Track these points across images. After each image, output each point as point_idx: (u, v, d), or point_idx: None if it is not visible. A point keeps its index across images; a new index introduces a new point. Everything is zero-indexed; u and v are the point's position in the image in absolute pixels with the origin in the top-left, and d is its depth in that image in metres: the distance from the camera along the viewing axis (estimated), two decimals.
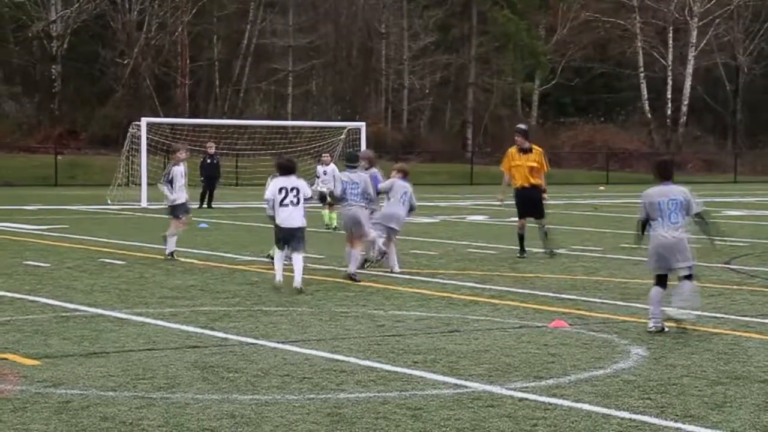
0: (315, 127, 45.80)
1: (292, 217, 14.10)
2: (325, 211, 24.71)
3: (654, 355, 9.61)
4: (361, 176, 15.67)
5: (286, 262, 14.41)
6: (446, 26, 69.96)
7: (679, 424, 7.23)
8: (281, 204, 14.07)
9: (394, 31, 69.01)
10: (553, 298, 13.23)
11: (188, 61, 64.24)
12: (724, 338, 10.50)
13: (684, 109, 71.56)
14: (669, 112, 71.92)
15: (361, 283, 14.62)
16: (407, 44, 68.23)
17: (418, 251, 19.26)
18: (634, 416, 7.41)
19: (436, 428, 7.13)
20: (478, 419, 7.33)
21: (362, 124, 39.66)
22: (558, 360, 9.36)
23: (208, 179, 33.53)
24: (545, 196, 18.68)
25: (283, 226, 14.15)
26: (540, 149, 18.86)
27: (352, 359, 9.33)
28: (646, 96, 72.29)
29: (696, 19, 70.50)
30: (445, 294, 13.56)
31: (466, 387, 8.31)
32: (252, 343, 10.10)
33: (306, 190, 14.30)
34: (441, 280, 15.02)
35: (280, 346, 9.98)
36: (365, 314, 11.92)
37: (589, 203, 35.10)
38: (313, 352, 9.67)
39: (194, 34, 64.29)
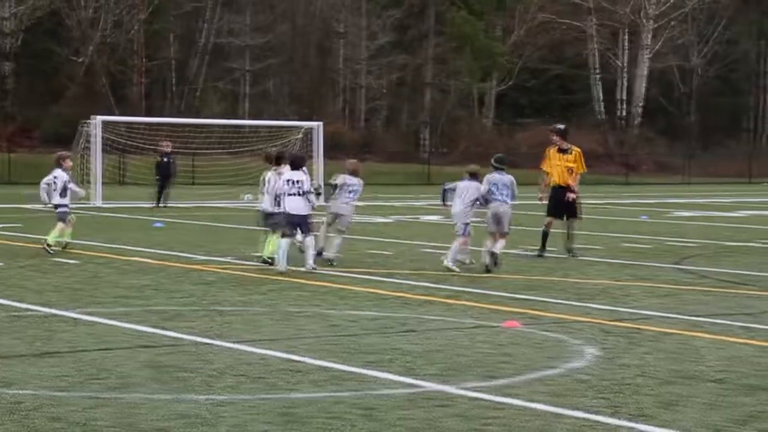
0: (271, 127, 45.66)
1: (299, 206, 15.87)
2: None
3: (607, 354, 9.69)
4: (508, 177, 16.89)
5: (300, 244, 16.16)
6: (404, 26, 70.05)
7: (631, 424, 7.28)
8: (289, 194, 15.91)
9: (352, 31, 68.99)
10: (508, 298, 13.29)
11: (144, 60, 63.88)
12: (676, 338, 10.60)
13: (637, 110, 72.13)
14: (623, 113, 72.47)
15: (316, 283, 14.61)
16: (365, 44, 68.23)
17: (374, 251, 19.27)
18: (586, 415, 7.46)
19: (389, 428, 7.14)
20: (431, 419, 7.35)
21: (319, 124, 39.62)
22: (511, 360, 9.40)
23: (164, 178, 33.37)
24: (570, 195, 18.54)
25: (291, 213, 15.90)
26: (578, 149, 18.85)
27: (306, 359, 9.32)
28: (600, 97, 72.79)
29: (650, 22, 71.10)
30: (399, 294, 13.58)
31: (420, 387, 8.33)
32: (206, 343, 10.06)
33: (307, 183, 16.04)
34: (396, 280, 15.04)
35: (235, 345, 9.95)
36: (319, 314, 11.92)
37: (545, 204, 35.24)
38: (268, 351, 9.65)
39: (150, 32, 63.93)
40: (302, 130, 40.74)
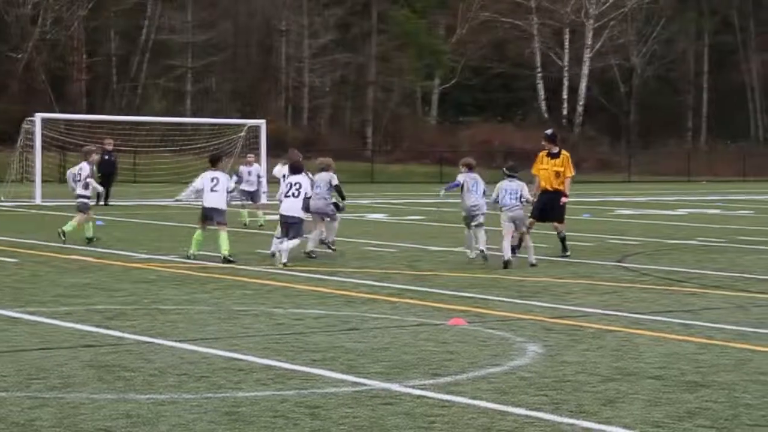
0: (214, 125, 45.45)
1: (293, 207, 16.68)
2: (244, 211, 24.69)
3: (549, 352, 9.76)
4: (519, 184, 17.36)
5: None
6: (346, 25, 70.03)
7: (572, 420, 7.35)
8: (285, 195, 16.77)
9: (294, 29, 68.82)
10: (451, 296, 13.35)
11: (84, 57, 63.23)
12: (617, 335, 10.71)
13: (579, 109, 72.75)
14: (565, 112, 73.05)
15: (260, 281, 14.57)
16: (307, 42, 68.11)
17: (317, 249, 19.24)
18: (529, 412, 7.52)
19: (334, 426, 7.14)
20: (376, 417, 7.37)
21: (262, 122, 39.49)
22: (456, 357, 9.44)
23: (105, 176, 33.09)
24: (563, 200, 18.71)
25: (284, 214, 16.74)
26: (566, 154, 18.91)
27: (251, 357, 9.29)
28: (542, 96, 73.31)
29: (591, 21, 71.71)
30: (343, 292, 13.59)
31: (365, 385, 8.34)
32: (148, 342, 10.00)
33: (307, 187, 16.96)
34: (340, 278, 15.04)
35: (178, 344, 9.90)
36: (264, 312, 11.89)
37: (487, 202, 35.44)
38: (211, 350, 9.61)
39: (91, 29, 63.30)
40: (245, 128, 40.59)
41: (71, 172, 20.22)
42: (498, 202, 17.34)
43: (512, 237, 17.21)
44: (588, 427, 7.21)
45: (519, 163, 18.91)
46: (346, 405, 7.68)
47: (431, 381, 8.49)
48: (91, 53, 63.98)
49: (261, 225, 24.31)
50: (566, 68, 72.63)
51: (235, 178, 25.19)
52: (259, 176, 25.48)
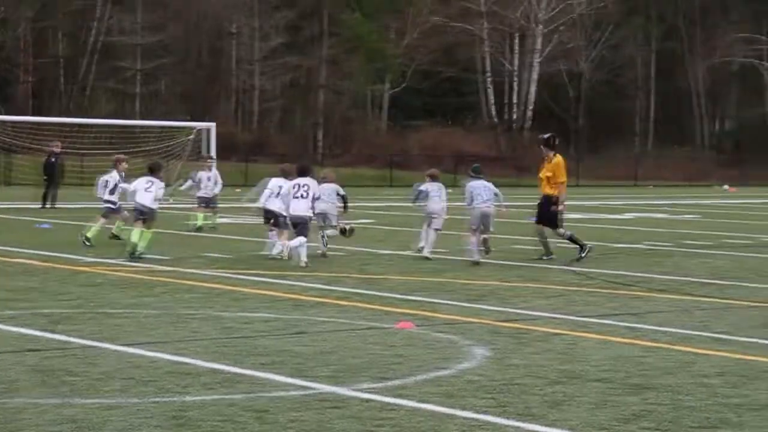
0: (163, 127, 45.19)
1: (301, 208, 17.37)
2: (199, 213, 24.60)
3: (496, 355, 9.81)
4: (487, 183, 18.53)
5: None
6: (297, 28, 69.92)
7: (519, 423, 7.39)
8: (294, 196, 17.44)
9: (245, 32, 68.62)
10: (400, 300, 13.37)
11: (31, 58, 62.60)
12: (564, 338, 10.78)
13: (528, 114, 73.16)
14: (514, 116, 73.43)
15: (208, 285, 14.51)
16: (257, 45, 67.94)
17: (265, 252, 19.20)
18: (476, 415, 7.55)
19: (281, 430, 7.13)
20: (324, 420, 7.37)
21: (212, 125, 39.36)
22: (404, 361, 9.46)
23: (49, 178, 32.83)
24: (554, 207, 18.70)
25: (294, 214, 17.42)
26: (558, 158, 18.73)
27: (198, 361, 9.25)
28: (492, 101, 73.64)
29: (540, 26, 72.17)
30: (292, 295, 13.57)
31: (313, 388, 8.34)
32: (94, 346, 9.92)
33: (315, 188, 17.64)
34: (289, 282, 15.01)
35: (124, 348, 9.83)
36: (212, 316, 11.84)
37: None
38: (158, 354, 9.55)
39: (38, 30, 62.68)
40: (194, 130, 40.41)
41: (102, 178, 21.64)
42: (472, 201, 18.33)
43: (479, 237, 18.12)
44: (534, 429, 7.26)
45: (483, 165, 19.53)
46: (293, 409, 7.67)
47: (379, 384, 8.51)
48: (38, 54, 63.35)
49: (213, 227, 24.27)
50: (515, 73, 73.03)
51: (188, 183, 25.29)
52: (217, 181, 25.52)
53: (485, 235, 18.50)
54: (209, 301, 13.04)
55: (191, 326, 11.16)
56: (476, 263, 17.61)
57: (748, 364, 9.51)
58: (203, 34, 67.76)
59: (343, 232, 19.22)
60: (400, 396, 8.09)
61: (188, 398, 7.94)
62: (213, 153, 37.21)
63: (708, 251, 21.03)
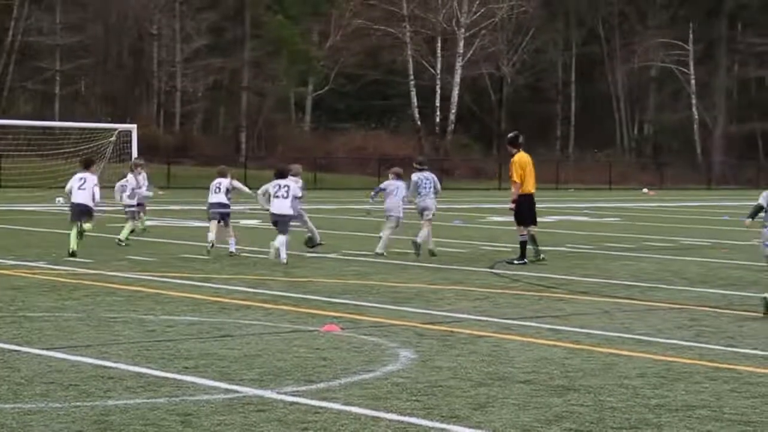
0: (84, 129, 44.61)
1: (283, 207, 18.62)
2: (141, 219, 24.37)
3: (422, 357, 9.85)
4: (431, 174, 20.59)
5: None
6: (219, 29, 69.49)
7: (444, 425, 7.43)
8: (275, 196, 18.71)
9: (166, 33, 68.04)
10: (326, 302, 13.36)
11: None
12: (488, 340, 10.86)
13: (452, 117, 73.55)
14: (438, 120, 73.78)
15: (131, 288, 14.37)
16: (179, 46, 67.40)
17: (189, 255, 19.07)
18: (401, 418, 7.58)
19: None
20: (249, 424, 7.34)
21: (133, 126, 38.90)
22: (329, 363, 9.46)
23: None
24: (509, 206, 19.47)
25: (275, 212, 18.65)
26: (515, 157, 19.17)
27: (121, 365, 9.15)
28: (416, 104, 73.91)
29: (463, 30, 72.59)
30: (217, 298, 13.49)
31: (238, 392, 8.30)
32: (14, 350, 9.76)
33: (296, 189, 18.99)
34: (213, 285, 14.92)
35: (45, 352, 9.69)
36: (135, 319, 11.72)
37: (361, 208, 35.60)
38: (80, 358, 9.44)
39: None
40: (115, 132, 39.97)
41: (120, 184, 23.06)
42: (419, 193, 20.26)
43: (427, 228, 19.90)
44: (458, 431, 7.30)
45: (426, 158, 20.57)
46: (218, 412, 7.63)
47: (304, 387, 8.49)
48: None
49: (145, 230, 24.03)
50: (438, 76, 73.38)
51: (127, 189, 25.02)
52: (146, 183, 25.25)
53: (430, 245, 19.99)
54: (132, 304, 12.91)
55: (114, 329, 11.04)
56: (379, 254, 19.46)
57: (668, 366, 9.67)
58: (124, 35, 67.05)
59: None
60: (325, 399, 8.09)
61: (111, 402, 7.85)
62: (134, 155, 36.85)
63: (629, 254, 21.33)
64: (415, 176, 20.38)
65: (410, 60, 72.99)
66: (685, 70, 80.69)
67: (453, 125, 73.62)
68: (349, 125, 72.64)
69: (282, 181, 19.03)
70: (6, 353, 9.63)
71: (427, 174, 20.47)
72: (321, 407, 7.83)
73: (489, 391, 8.50)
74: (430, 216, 20.20)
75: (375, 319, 12.15)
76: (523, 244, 19.06)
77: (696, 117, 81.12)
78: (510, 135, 20.00)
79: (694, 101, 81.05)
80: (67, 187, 19.44)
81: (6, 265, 16.94)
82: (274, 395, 8.19)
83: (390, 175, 20.94)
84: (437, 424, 7.43)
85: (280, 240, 18.23)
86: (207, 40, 67.40)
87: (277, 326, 11.48)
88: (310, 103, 73.17)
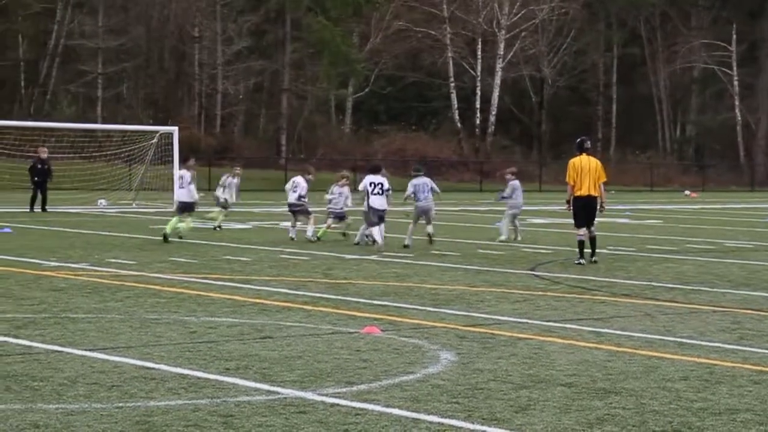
0: (126, 131, 44.94)
1: (381, 202, 21.21)
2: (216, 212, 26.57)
3: (462, 360, 9.83)
4: (427, 179, 22.39)
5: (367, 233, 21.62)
6: (260, 32, 69.81)
7: (484, 427, 7.41)
8: (373, 193, 21.12)
9: (208, 36, 68.41)
10: (366, 304, 13.37)
11: None
12: (529, 343, 10.82)
13: (492, 119, 73.43)
14: (478, 121, 73.67)
15: (173, 290, 14.45)
16: (221, 49, 67.75)
17: (231, 257, 19.16)
18: (442, 420, 7.57)
19: None
20: (290, 425, 7.35)
21: (174, 129, 39.17)
22: (370, 365, 9.46)
23: (40, 183, 33.46)
24: (565, 207, 20.55)
25: (376, 207, 21.06)
26: (570, 162, 20.24)
27: (163, 366, 9.21)
28: (456, 105, 73.86)
29: (503, 32, 72.46)
30: (258, 300, 13.54)
31: (278, 393, 8.32)
32: (58, 351, 9.85)
33: (386, 184, 21.38)
34: (254, 287, 14.98)
35: (88, 353, 9.77)
36: (177, 321, 11.79)
37: (401, 210, 35.62)
38: (123, 359, 9.50)
39: None
40: (157, 134, 40.23)
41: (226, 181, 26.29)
42: (417, 198, 22.05)
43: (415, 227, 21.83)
44: None
45: (424, 163, 21.64)
46: (259, 414, 7.66)
47: (345, 389, 8.50)
48: None
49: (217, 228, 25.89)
50: (479, 78, 73.27)
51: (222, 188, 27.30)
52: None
53: (429, 230, 22.00)
54: (174, 305, 12.98)
55: (156, 331, 11.11)
56: (406, 246, 21.32)
57: (711, 369, 9.59)
58: (166, 38, 67.48)
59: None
60: (366, 401, 8.09)
61: (153, 403, 7.90)
62: (176, 157, 37.11)
63: (671, 256, 21.18)
64: (413, 182, 22.16)
65: (450, 62, 72.95)
66: (728, 71, 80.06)
67: (493, 127, 73.49)
68: (389, 127, 72.65)
69: (376, 178, 21.28)
70: (49, 354, 9.72)
71: (425, 179, 22.19)
72: (361, 409, 7.84)
73: (530, 393, 8.47)
74: (432, 215, 22.24)
75: (415, 321, 12.14)
76: (578, 244, 19.49)
77: (739, 119, 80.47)
78: (578, 140, 20.65)
79: (737, 102, 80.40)
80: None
81: (49, 267, 17.09)
82: (314, 397, 8.20)
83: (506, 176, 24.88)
84: (478, 427, 7.41)
85: (383, 229, 21.04)
86: (248, 42, 67.70)
87: (317, 328, 11.51)
88: (351, 105, 73.26)
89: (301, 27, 70.08)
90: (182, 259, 18.64)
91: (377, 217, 21.12)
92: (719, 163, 79.38)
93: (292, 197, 23.43)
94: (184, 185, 23.22)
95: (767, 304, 14.04)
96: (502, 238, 23.76)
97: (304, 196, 23.42)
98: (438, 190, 22.64)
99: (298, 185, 23.50)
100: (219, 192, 27.13)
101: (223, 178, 27.79)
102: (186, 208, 23.14)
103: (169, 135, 38.83)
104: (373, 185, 21.29)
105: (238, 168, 28.80)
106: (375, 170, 21.67)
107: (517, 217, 24.37)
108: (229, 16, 68.34)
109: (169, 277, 15.99)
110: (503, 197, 24.65)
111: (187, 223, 23.06)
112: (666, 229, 30.02)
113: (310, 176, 23.94)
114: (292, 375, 8.99)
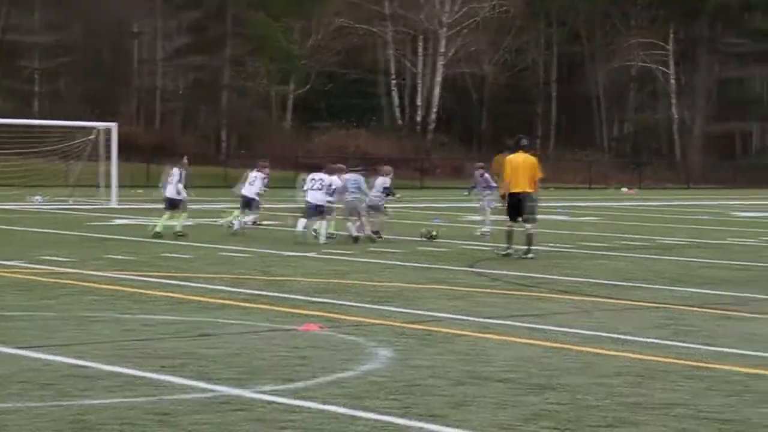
0: (64, 127, 44.44)
1: (316, 197, 22.04)
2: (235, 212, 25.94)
3: (400, 356, 9.86)
4: (357, 176, 22.94)
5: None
6: (201, 28, 69.37)
7: (422, 424, 7.44)
8: (312, 189, 22.15)
9: (147, 31, 67.86)
10: (305, 301, 13.35)
11: None
12: (467, 339, 10.87)
13: (433, 116, 73.64)
14: (419, 119, 73.83)
15: (110, 287, 14.33)
16: (160, 44, 67.24)
17: (170, 254, 19.04)
18: (379, 417, 7.58)
19: None
20: (227, 423, 7.33)
21: (113, 125, 38.81)
22: (308, 363, 9.45)
23: None
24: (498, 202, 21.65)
25: (310, 201, 22.09)
26: (505, 159, 20.82)
27: (99, 364, 9.13)
28: (397, 103, 73.98)
29: (445, 29, 72.69)
30: (196, 298, 13.47)
31: (216, 391, 8.28)
32: None
33: (331, 181, 22.39)
34: (193, 284, 14.89)
35: (22, 352, 9.65)
36: (113, 318, 11.69)
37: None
38: (57, 357, 9.40)
39: None
40: (95, 131, 39.85)
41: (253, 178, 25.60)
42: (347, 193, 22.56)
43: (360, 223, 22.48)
44: (437, 430, 7.31)
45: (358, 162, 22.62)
46: (196, 411, 7.62)
47: (283, 386, 8.49)
48: None
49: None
50: (420, 75, 73.43)
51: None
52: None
53: (370, 228, 22.63)
54: (111, 303, 12.87)
55: (92, 329, 11.00)
56: (355, 239, 22.06)
57: (646, 364, 9.70)
58: (105, 34, 66.84)
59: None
60: (304, 398, 8.08)
61: (88, 402, 7.83)
62: (114, 154, 36.76)
63: (608, 253, 21.39)
64: (344, 177, 22.83)
65: (392, 59, 73.06)
66: (665, 70, 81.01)
67: (434, 124, 73.70)
68: (330, 124, 72.59)
69: (317, 175, 22.43)
70: None
71: (355, 176, 22.97)
72: (299, 406, 7.83)
73: (467, 389, 8.51)
74: (361, 212, 22.62)
75: (354, 318, 12.15)
76: (506, 234, 20.28)
77: (675, 117, 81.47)
78: (516, 138, 21.33)
79: (673, 101, 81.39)
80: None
81: None
82: (252, 394, 8.18)
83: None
84: (415, 423, 7.43)
85: (326, 223, 22.00)
86: (188, 39, 67.27)
87: (255, 325, 11.47)
88: (292, 101, 73.08)
89: (242, 23, 69.77)
90: (120, 257, 18.48)
91: (315, 211, 21.99)
92: (656, 160, 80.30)
93: (248, 191, 24.45)
94: (172, 182, 23.48)
95: (700, 300, 14.24)
96: (485, 230, 24.55)
97: (261, 192, 24.40)
98: (366, 192, 22.85)
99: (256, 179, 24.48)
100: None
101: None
102: (173, 205, 23.40)
103: (108, 131, 38.46)
104: (313, 181, 22.28)
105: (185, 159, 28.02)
106: (318, 168, 22.93)
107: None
108: (169, 12, 67.85)
109: (106, 274, 15.85)
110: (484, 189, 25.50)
111: (179, 221, 23.32)
112: (603, 226, 30.31)
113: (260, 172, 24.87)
114: (230, 372, 8.95)
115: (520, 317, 12.46)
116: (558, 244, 23.21)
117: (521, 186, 20.11)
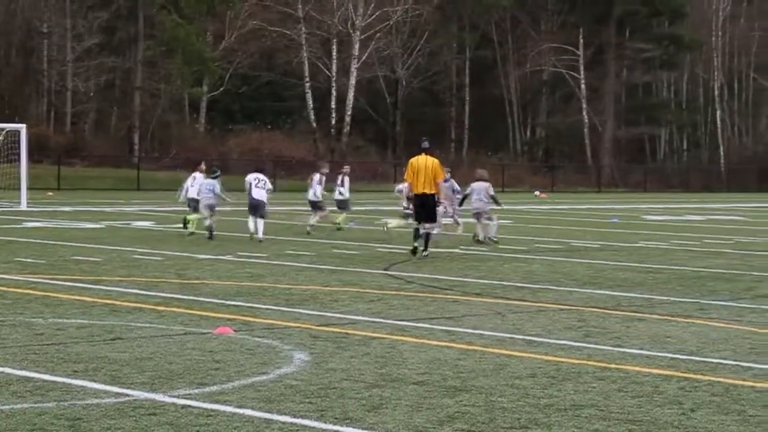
0: None
1: (261, 194, 23.66)
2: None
3: (315, 359, 9.85)
4: (260, 176, 24.28)
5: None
6: (111, 28, 68.52)
7: (337, 427, 7.44)
8: (256, 186, 23.77)
9: (57, 31, 66.83)
10: (219, 305, 13.27)
11: None
12: (382, 342, 10.90)
13: (347, 119, 73.66)
14: (333, 121, 73.80)
15: (19, 290, 14.08)
16: (70, 45, 66.27)
17: (80, 257, 18.78)
18: (295, 420, 7.57)
19: None
20: (140, 428, 7.25)
21: (22, 126, 38.16)
22: (222, 366, 9.40)
23: None
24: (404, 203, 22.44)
25: (253, 197, 23.64)
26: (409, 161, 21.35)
27: (7, 369, 8.97)
28: (311, 105, 73.83)
29: (358, 33, 72.76)
30: (108, 301, 13.30)
31: (128, 395, 8.20)
32: None
33: (268, 183, 24.32)
34: (104, 287, 14.71)
35: None
36: (23, 322, 11.49)
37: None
38: None
39: None
40: (3, 132, 39.14)
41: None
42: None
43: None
44: None
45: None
46: (108, 416, 7.53)
47: (197, 390, 8.43)
48: None
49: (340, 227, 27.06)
50: (334, 78, 73.42)
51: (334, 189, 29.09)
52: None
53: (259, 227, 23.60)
54: (20, 307, 12.65)
55: (1, 333, 10.80)
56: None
57: (558, 366, 9.82)
58: (12, 33, 65.66)
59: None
60: (218, 402, 8.04)
61: None
62: (24, 155, 36.11)
63: (521, 255, 21.61)
64: (249, 176, 24.06)
65: (306, 62, 72.91)
66: (576, 75, 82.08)
67: (348, 127, 73.73)
68: (244, 126, 72.22)
69: (258, 175, 23.99)
70: None
71: (258, 175, 24.03)
72: (213, 410, 7.78)
73: (382, 392, 8.53)
74: (264, 211, 23.78)
75: (269, 321, 12.11)
76: (414, 231, 20.87)
77: (586, 121, 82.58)
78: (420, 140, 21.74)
79: (584, 105, 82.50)
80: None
81: None
82: (165, 398, 8.11)
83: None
84: (330, 426, 7.44)
85: (263, 222, 23.47)
86: (99, 39, 66.39)
87: (169, 329, 11.37)
88: (205, 103, 72.55)
89: (155, 24, 69.08)
90: (29, 260, 18.19)
91: (255, 207, 23.57)
92: (568, 164, 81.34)
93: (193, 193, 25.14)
94: (195, 185, 25.15)
95: (611, 302, 14.46)
96: (481, 237, 24.64)
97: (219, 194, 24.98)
98: (270, 187, 24.24)
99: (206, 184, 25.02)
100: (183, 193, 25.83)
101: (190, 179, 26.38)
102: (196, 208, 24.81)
103: (16, 133, 37.81)
104: (257, 180, 23.97)
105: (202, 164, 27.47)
106: (259, 170, 24.58)
107: (482, 216, 24.94)
108: (79, 12, 66.89)
109: (14, 277, 15.58)
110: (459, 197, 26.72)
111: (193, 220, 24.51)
112: (516, 229, 30.61)
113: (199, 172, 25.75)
114: (143, 377, 8.87)
115: (434, 320, 12.53)
116: (471, 247, 23.39)
117: (422, 187, 20.76)
